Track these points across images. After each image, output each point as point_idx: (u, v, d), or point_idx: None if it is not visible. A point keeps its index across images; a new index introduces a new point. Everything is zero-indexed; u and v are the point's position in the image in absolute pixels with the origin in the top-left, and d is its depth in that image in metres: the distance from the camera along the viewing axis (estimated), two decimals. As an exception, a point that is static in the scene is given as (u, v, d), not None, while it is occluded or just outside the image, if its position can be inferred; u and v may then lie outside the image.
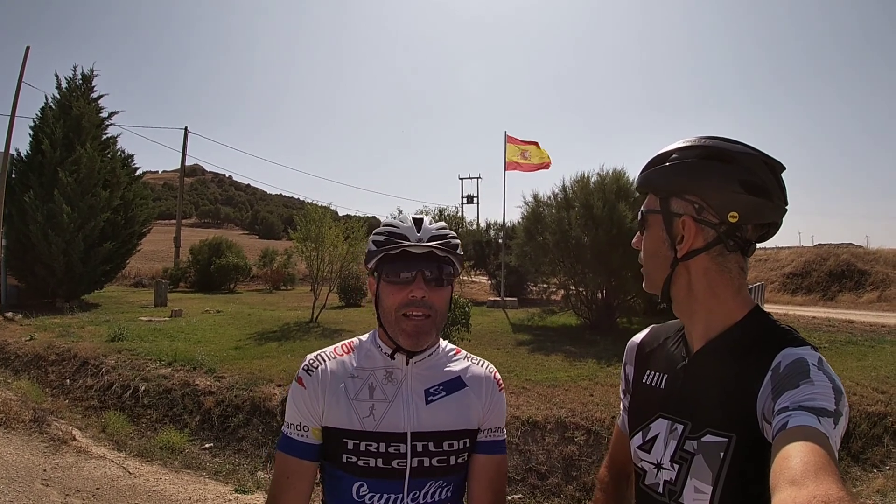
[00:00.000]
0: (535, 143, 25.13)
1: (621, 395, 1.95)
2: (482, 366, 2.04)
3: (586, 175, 17.68)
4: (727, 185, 1.51)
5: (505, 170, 24.66)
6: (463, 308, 13.29)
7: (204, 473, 7.21)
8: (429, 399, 1.88)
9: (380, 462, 1.80)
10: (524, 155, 24.47)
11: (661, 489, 1.55)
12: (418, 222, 1.89)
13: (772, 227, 1.58)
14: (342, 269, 19.31)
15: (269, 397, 8.80)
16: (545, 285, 20.90)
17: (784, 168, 1.55)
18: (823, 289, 31.12)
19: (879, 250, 34.20)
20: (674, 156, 1.57)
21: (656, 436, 1.60)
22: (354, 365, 1.92)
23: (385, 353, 1.91)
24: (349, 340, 2.03)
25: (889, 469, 7.89)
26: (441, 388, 1.91)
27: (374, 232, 1.94)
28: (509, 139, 24.52)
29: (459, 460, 1.88)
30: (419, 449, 1.82)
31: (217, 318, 18.30)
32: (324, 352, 1.98)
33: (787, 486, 1.03)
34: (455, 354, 2.04)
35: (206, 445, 8.07)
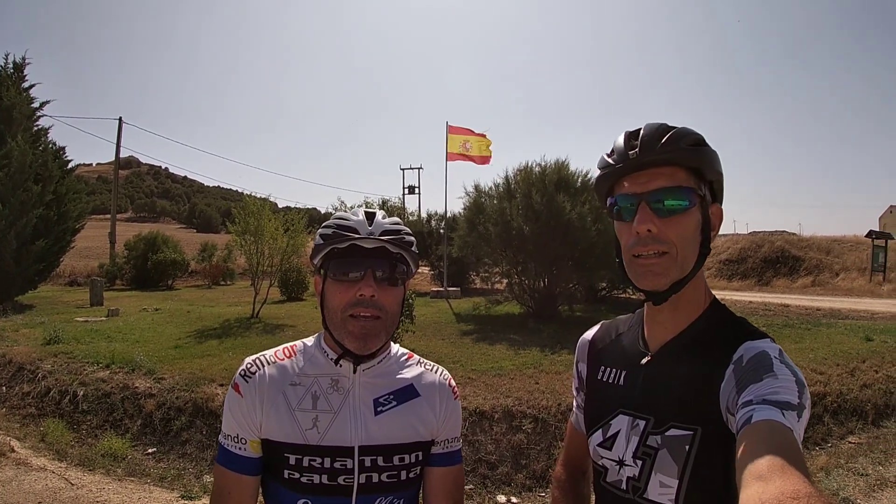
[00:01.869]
0: (482, 135, 25.08)
1: (574, 393, 1.94)
2: (436, 372, 1.94)
3: (529, 165, 17.77)
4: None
5: (447, 160, 24.59)
6: (407, 300, 13.25)
7: (148, 480, 7.02)
8: (378, 409, 1.77)
9: (325, 478, 1.70)
10: (465, 146, 24.41)
11: (623, 486, 1.55)
12: (370, 216, 1.76)
13: None
14: (282, 262, 19.05)
15: (211, 398, 8.62)
16: (488, 275, 20.96)
17: None
18: (759, 274, 32.27)
19: (812, 237, 35.94)
20: (699, 138, 1.52)
21: (617, 432, 1.60)
22: (297, 371, 1.79)
23: (330, 359, 1.80)
24: (292, 343, 1.90)
25: (831, 447, 8.17)
26: (392, 397, 1.80)
27: (322, 225, 1.81)
28: (451, 129, 24.44)
29: (411, 475, 1.79)
30: (367, 464, 1.72)
31: (155, 316, 17.93)
32: (264, 355, 1.84)
33: (755, 481, 1.04)
34: (407, 360, 1.93)
35: (149, 451, 7.88)
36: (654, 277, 1.50)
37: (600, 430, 1.65)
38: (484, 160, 24.94)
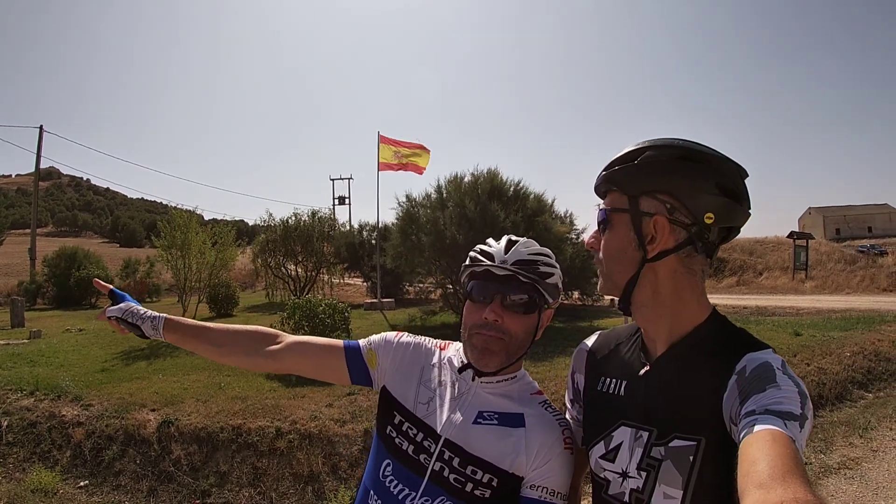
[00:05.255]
0: (421, 146, 25.12)
1: (568, 405, 1.95)
2: (555, 416, 1.90)
3: (459, 175, 17.84)
4: (703, 185, 1.52)
5: (378, 170, 24.50)
6: (342, 313, 13.11)
7: (81, 517, 6.75)
8: (477, 420, 1.84)
9: (410, 449, 1.84)
10: (397, 155, 24.37)
11: (627, 498, 1.55)
12: (511, 244, 1.88)
13: (733, 231, 1.63)
14: (211, 277, 18.63)
15: (143, 424, 8.34)
16: (422, 285, 20.95)
17: (747, 174, 1.57)
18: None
19: (735, 239, 37.05)
20: (646, 153, 1.54)
21: (620, 444, 1.59)
22: (441, 359, 2.01)
23: (462, 362, 1.94)
24: (452, 343, 2.10)
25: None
26: (495, 416, 1.85)
27: (473, 248, 1.96)
28: (383, 139, 24.37)
29: (477, 492, 1.77)
30: (445, 456, 1.80)
31: (79, 337, 17.22)
32: (431, 339, 2.11)
33: (755, 489, 1.05)
34: (533, 395, 1.94)
35: (81, 483, 7.56)
36: (601, 289, 1.69)
37: (602, 443, 1.65)
38: (418, 169, 24.94)
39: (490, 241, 1.94)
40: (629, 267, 1.56)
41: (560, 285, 1.93)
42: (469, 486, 1.77)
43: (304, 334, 11.08)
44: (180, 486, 7.32)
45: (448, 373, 1.96)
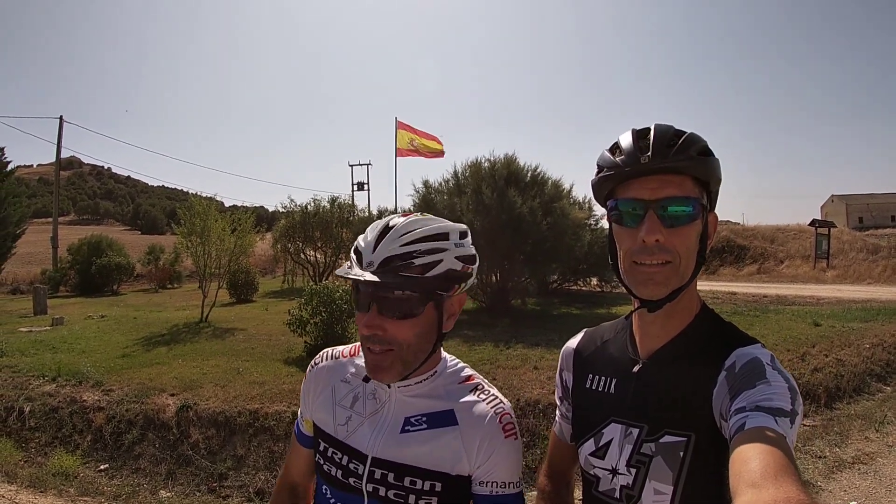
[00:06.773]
0: (434, 137, 24.95)
1: (557, 402, 1.93)
2: (489, 404, 1.71)
3: (478, 160, 17.75)
4: None
5: (396, 156, 24.41)
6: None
7: (102, 499, 6.82)
8: (405, 428, 1.69)
9: (339, 474, 1.74)
10: (413, 143, 24.25)
11: (617, 494, 1.55)
12: (383, 234, 1.57)
13: None
14: (230, 263, 18.62)
15: (162, 408, 8.46)
16: (439, 271, 20.90)
17: None
18: (705, 263, 32.80)
19: (757, 227, 36.97)
20: (705, 145, 1.50)
21: (610, 441, 1.59)
22: (351, 370, 1.84)
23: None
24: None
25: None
26: (423, 419, 1.69)
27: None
28: (400, 125, 24.28)
29: (422, 502, 1.65)
30: (377, 476, 1.67)
31: (101, 323, 17.37)
32: (334, 349, 1.95)
33: (748, 488, 1.04)
34: (462, 384, 1.76)
35: (102, 467, 7.67)
36: (655, 287, 1.48)
37: (592, 440, 1.64)
38: (436, 154, 24.79)
39: (369, 229, 1.64)
40: (694, 261, 1.52)
41: (458, 267, 1.63)
42: (412, 498, 1.65)
43: (321, 320, 11.07)
44: (198, 469, 7.41)
45: (363, 385, 1.80)
